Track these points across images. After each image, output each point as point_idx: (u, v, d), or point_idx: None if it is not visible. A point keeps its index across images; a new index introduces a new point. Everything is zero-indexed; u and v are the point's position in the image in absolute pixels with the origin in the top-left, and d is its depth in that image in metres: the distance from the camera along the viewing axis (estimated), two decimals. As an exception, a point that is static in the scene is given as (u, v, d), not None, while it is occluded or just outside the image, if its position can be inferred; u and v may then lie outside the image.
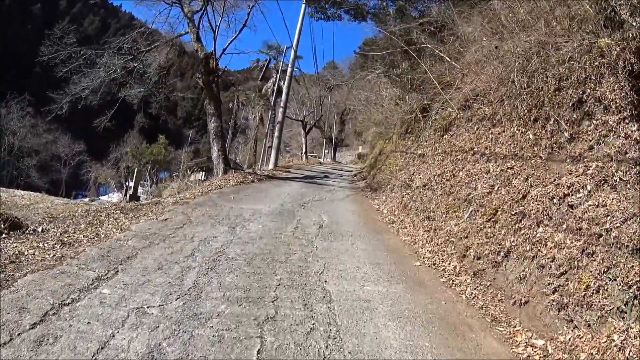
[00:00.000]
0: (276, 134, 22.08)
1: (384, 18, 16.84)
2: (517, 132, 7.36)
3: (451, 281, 5.97)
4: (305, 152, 35.32)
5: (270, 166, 21.27)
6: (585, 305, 4.28)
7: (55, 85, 15.58)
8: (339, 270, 5.82)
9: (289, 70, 22.61)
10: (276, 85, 25.87)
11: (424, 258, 6.88)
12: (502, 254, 5.74)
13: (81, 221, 7.64)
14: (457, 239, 6.94)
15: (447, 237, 7.27)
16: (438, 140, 10.98)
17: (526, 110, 7.27)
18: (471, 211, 7.15)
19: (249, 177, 14.87)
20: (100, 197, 46.01)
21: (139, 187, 47.93)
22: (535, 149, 6.63)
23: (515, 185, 6.45)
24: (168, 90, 21.70)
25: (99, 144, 56.97)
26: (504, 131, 7.77)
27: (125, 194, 16.08)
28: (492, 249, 5.96)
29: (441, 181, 9.01)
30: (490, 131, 8.22)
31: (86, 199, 43.71)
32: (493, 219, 6.38)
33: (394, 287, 5.48)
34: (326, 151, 49.24)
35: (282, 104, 22.32)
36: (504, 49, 8.37)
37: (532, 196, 5.92)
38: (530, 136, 6.91)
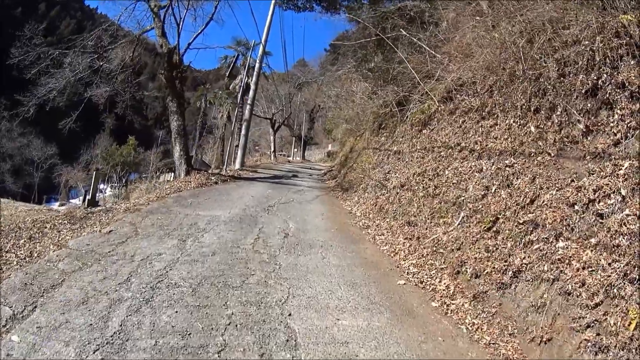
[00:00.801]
0: (243, 132, 20.51)
1: (358, 10, 15.54)
2: (514, 124, 6.25)
3: (445, 306, 4.72)
4: (274, 151, 33.75)
5: (237, 166, 19.69)
6: (636, 351, 3.11)
7: (27, 88, 14.83)
8: (306, 297, 4.48)
9: (257, 65, 21.10)
10: (244, 82, 24.31)
11: (408, 274, 5.61)
12: (509, 273, 4.53)
13: (24, 234, 6.26)
14: (448, 251, 5.70)
15: (434, 248, 6.02)
16: (416, 135, 9.80)
17: (524, 100, 6.15)
18: (463, 217, 5.93)
19: (212, 178, 13.32)
20: (71, 201, 44.05)
21: (109, 189, 46.12)
22: (540, 143, 5.51)
23: (518, 187, 5.28)
24: (134, 89, 20.09)
25: (71, 147, 55.09)
26: (496, 124, 6.63)
27: (84, 199, 14.25)
28: (495, 266, 4.74)
29: (422, 181, 7.79)
30: (479, 124, 7.09)
31: (57, 203, 41.84)
32: (493, 228, 5.17)
33: (376, 318, 4.18)
34: (295, 150, 47.86)
35: (249, 101, 20.78)
36: (498, 31, 7.22)
37: (543, 201, 4.74)
38: (532, 129, 5.80)
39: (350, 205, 10.78)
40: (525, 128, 5.96)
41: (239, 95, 22.47)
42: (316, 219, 8.69)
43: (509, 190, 5.40)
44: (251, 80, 22.06)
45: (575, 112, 5.08)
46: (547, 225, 4.50)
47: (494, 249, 4.92)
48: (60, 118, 16.82)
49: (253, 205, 9.27)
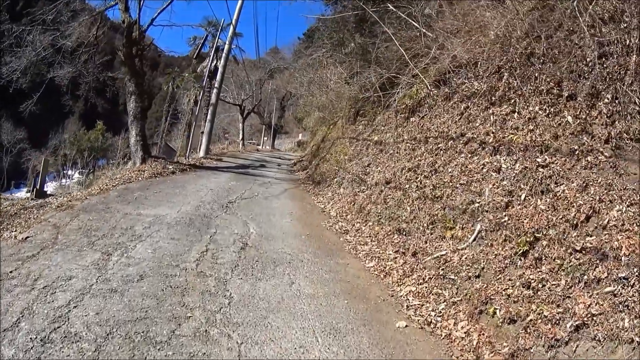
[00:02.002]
0: (209, 117, 18.43)
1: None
2: (540, 112, 4.69)
3: (472, 369, 3.12)
4: (242, 139, 31.51)
5: (201, 154, 17.63)
6: None
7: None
8: (267, 362, 2.77)
9: (226, 47, 18.96)
10: (212, 64, 22.11)
11: (408, 309, 3.97)
12: (567, 325, 2.96)
13: None
14: (462, 278, 4.09)
15: (440, 270, 4.41)
16: (402, 124, 8.21)
17: (552, 84, 4.60)
18: (479, 231, 4.34)
19: (170, 167, 11.32)
20: (38, 187, 40.72)
21: (77, 175, 42.92)
22: (585, 139, 3.97)
23: (562, 197, 3.73)
24: (98, 71, 17.89)
25: (40, 131, 52.03)
26: (515, 111, 5.11)
27: (32, 189, 12.15)
28: (543, 311, 3.16)
29: (416, 178, 6.17)
30: (488, 111, 5.57)
31: (25, 189, 38.83)
32: (533, 254, 3.59)
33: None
34: (265, 138, 45.73)
35: (216, 84, 18.66)
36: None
37: (608, 220, 3.21)
38: (570, 119, 4.26)
39: (323, 202, 9.10)
40: (557, 118, 4.44)
41: (205, 78, 20.15)
42: (284, 219, 6.95)
43: (549, 200, 3.85)
44: (219, 63, 19.91)
45: (638, 100, 3.58)
46: (622, 258, 2.96)
47: (538, 284, 3.34)
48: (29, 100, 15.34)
49: (210, 201, 7.44)
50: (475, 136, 5.52)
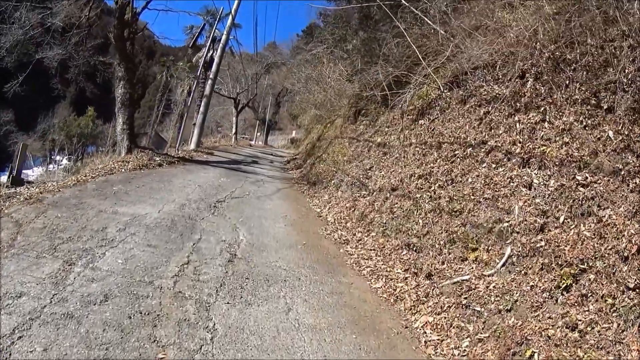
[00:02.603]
0: (201, 109, 17.60)
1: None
2: (575, 124, 4.09)
3: None
4: (236, 133, 30.62)
5: (192, 146, 16.83)
6: None
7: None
8: None
9: (223, 37, 18.17)
10: (207, 55, 21.29)
11: (427, 345, 3.33)
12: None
13: None
14: (490, 311, 3.44)
15: (462, 299, 3.76)
16: (408, 126, 7.59)
17: (587, 93, 4.03)
18: (509, 256, 3.72)
19: (157, 159, 10.55)
20: (24, 171, 39.37)
21: (65, 160, 41.63)
22: (630, 157, 3.39)
23: (610, 223, 3.13)
24: (89, 54, 17.07)
25: (28, 114, 50.19)
26: (545, 120, 4.48)
27: (9, 175, 11.27)
28: (592, 358, 2.55)
29: (428, 187, 5.54)
30: (513, 118, 4.96)
31: (7, 174, 37.74)
32: (578, 289, 2.97)
33: None
34: (258, 134, 44.88)
35: (211, 76, 17.87)
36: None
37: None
38: (611, 134, 3.66)
39: (319, 205, 8.44)
40: (596, 132, 3.84)
41: (199, 68, 19.28)
42: (277, 224, 6.27)
43: (593, 225, 3.24)
44: (215, 54, 19.12)
45: None
46: None
47: (587, 328, 2.73)
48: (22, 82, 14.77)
49: (197, 200, 6.74)
50: (500, 145, 4.91)
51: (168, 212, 5.67)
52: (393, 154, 7.46)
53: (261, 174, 12.21)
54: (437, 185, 5.42)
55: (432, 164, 5.87)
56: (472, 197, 4.62)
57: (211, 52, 22.23)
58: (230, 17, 17.99)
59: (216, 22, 20.46)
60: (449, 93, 6.70)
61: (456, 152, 5.58)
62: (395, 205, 5.94)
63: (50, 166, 41.78)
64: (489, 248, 3.99)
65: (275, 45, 45.47)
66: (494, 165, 4.80)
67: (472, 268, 4.11)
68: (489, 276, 3.74)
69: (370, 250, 5.45)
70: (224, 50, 18.68)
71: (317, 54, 17.57)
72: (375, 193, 7.00)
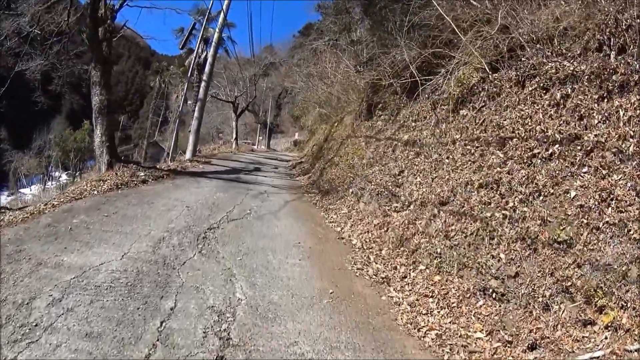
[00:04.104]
0: (196, 114, 15.89)
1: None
2: None
3: None
4: (236, 139, 28.81)
5: (188, 155, 15.13)
6: None
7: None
8: None
9: (215, 35, 16.51)
10: (198, 56, 19.68)
11: None
12: None
13: None
14: None
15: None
16: (445, 118, 5.98)
17: None
18: None
19: (141, 174, 8.84)
20: (21, 191, 38.05)
21: (64, 176, 40.16)
22: None
23: None
24: (72, 63, 15.75)
25: (23, 131, 47.66)
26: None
27: None
28: None
29: (502, 203, 3.86)
30: (611, 104, 3.28)
31: (5, 193, 36.64)
32: None
33: None
34: (260, 138, 43.19)
35: (205, 77, 16.17)
36: None
37: None
38: None
39: (337, 221, 6.77)
40: None
41: (190, 71, 17.55)
42: (289, 259, 4.57)
43: None
44: (209, 53, 17.52)
45: None
46: None
47: None
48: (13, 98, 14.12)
49: (181, 229, 5.07)
50: (603, 140, 3.23)
51: (135, 256, 3.98)
52: (430, 155, 5.80)
53: (265, 184, 10.53)
54: (515, 199, 3.73)
55: (497, 168, 4.18)
56: (584, 221, 2.94)
57: (204, 53, 20.64)
58: (221, 13, 16.40)
59: (205, 19, 18.70)
60: (496, 75, 5.09)
61: (534, 150, 3.89)
62: (452, 228, 4.25)
63: (49, 183, 40.30)
64: (629, 306, 2.32)
65: (272, 48, 43.88)
66: (604, 171, 3.12)
67: (606, 339, 2.44)
68: (636, 352, 2.08)
69: (426, 296, 3.76)
70: (217, 50, 17.05)
71: (318, 47, 15.93)
72: (413, 207, 5.33)
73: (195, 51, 18.34)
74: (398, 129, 7.53)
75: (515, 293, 3.23)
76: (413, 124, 7.02)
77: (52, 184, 38.76)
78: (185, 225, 5.31)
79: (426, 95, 6.95)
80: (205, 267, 3.91)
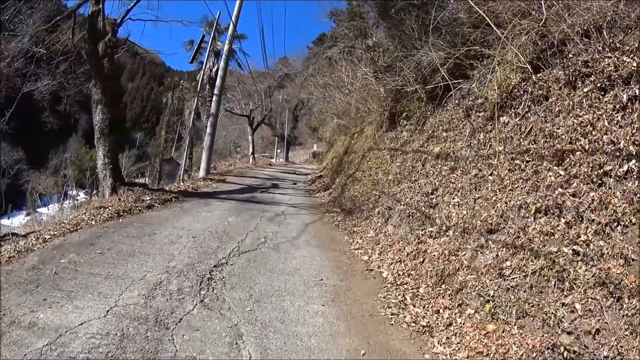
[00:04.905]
0: (208, 130, 15.45)
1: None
2: None
3: None
4: (253, 153, 28.39)
5: (201, 173, 14.67)
6: None
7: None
8: None
9: (225, 47, 16.09)
10: (210, 69, 19.40)
11: None
12: None
13: None
14: None
15: None
16: (482, 127, 5.26)
17: None
18: None
19: (147, 198, 8.33)
20: (38, 210, 38.72)
21: (82, 194, 40.65)
22: None
23: None
24: (79, 82, 15.77)
25: (40, 151, 48.17)
26: None
27: None
28: None
29: (569, 234, 3.12)
30: None
31: (24, 213, 37.39)
32: None
33: None
34: (278, 151, 42.85)
35: (216, 91, 15.77)
36: None
37: None
38: None
39: (364, 247, 6.10)
40: None
41: (199, 84, 17.12)
42: (310, 305, 3.88)
43: None
44: (219, 66, 17.18)
45: None
46: None
47: None
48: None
49: (182, 269, 4.47)
50: None
51: (123, 311, 3.35)
52: (468, 170, 5.09)
53: (282, 203, 9.94)
54: (587, 230, 2.99)
55: (559, 189, 3.44)
56: None
57: (215, 66, 20.37)
58: (231, 24, 16.06)
59: (213, 29, 18.33)
60: (539, 75, 4.39)
61: (605, 167, 3.15)
62: (507, 264, 3.51)
63: (65, 202, 40.82)
64: None
65: (286, 60, 43.74)
66: None
67: None
68: None
69: (480, 353, 3.04)
70: (227, 62, 16.67)
71: (333, 56, 15.39)
72: (452, 233, 4.61)
73: (205, 64, 18.01)
74: (427, 140, 6.83)
75: (595, 355, 2.50)
76: (444, 134, 6.33)
77: (68, 203, 39.19)
78: (189, 262, 4.71)
79: (456, 102, 6.28)
80: (206, 326, 3.24)
